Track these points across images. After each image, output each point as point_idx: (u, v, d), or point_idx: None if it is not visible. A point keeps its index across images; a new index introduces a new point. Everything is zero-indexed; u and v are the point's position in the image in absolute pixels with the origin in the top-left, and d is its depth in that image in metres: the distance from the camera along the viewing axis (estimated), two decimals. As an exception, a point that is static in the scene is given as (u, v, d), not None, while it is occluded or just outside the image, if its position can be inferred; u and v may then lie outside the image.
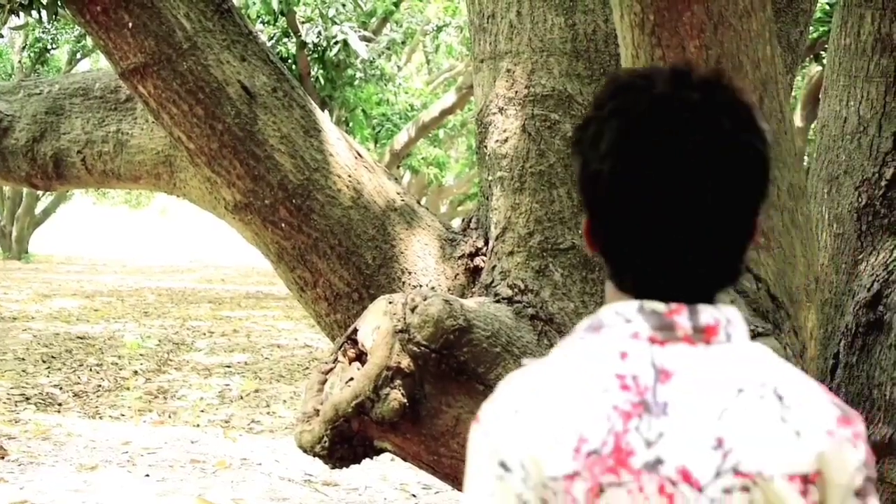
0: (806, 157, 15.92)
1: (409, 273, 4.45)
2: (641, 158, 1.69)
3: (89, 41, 24.95)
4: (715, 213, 1.70)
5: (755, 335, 2.77)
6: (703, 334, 1.73)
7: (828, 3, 13.23)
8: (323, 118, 4.49)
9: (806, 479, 1.72)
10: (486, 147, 4.53)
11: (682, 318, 1.72)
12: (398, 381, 3.79)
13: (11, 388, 11.11)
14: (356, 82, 19.52)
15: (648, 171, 1.68)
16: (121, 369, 12.89)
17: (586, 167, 1.75)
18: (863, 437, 1.78)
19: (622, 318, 1.75)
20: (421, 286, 4.39)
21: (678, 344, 1.73)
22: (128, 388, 11.81)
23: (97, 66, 30.64)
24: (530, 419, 1.72)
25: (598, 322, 1.80)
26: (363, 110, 20.66)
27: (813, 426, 1.73)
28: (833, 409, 1.77)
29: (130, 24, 4.05)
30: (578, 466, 1.69)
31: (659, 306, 1.73)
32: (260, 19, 17.33)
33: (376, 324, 3.92)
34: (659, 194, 1.68)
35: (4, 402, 10.42)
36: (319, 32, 17.29)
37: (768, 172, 1.79)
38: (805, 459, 1.72)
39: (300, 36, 17.39)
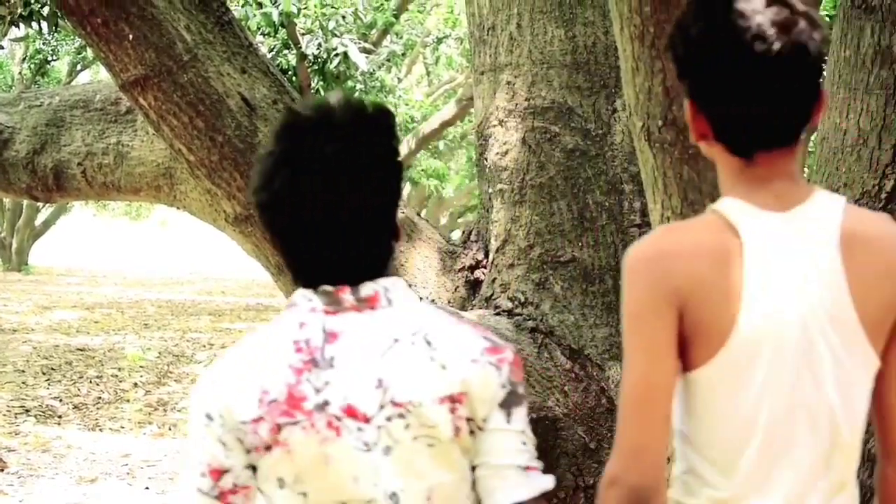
0: (806, 170, 15.92)
1: (409, 285, 4.45)
2: (297, 192, 2.24)
3: (90, 53, 24.96)
4: (352, 216, 2.24)
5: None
6: (367, 302, 2.29)
7: (827, 16, 13.24)
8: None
9: (453, 399, 2.26)
10: (486, 159, 4.53)
11: (345, 294, 2.27)
12: (398, 394, 3.79)
13: (11, 400, 11.10)
14: (356, 94, 19.54)
15: (300, 199, 2.23)
16: (121, 381, 12.89)
17: (260, 202, 2.30)
18: (509, 361, 2.31)
19: (306, 298, 2.29)
20: (421, 299, 4.39)
21: (347, 313, 2.28)
22: (128, 401, 11.80)
23: (97, 77, 30.65)
24: (226, 379, 2.27)
25: (292, 302, 2.34)
26: (363, 122, 20.66)
27: (457, 358, 2.27)
28: (482, 342, 2.31)
29: (131, 36, 4.05)
30: (262, 412, 2.23)
31: (328, 288, 2.27)
32: (260, 31, 17.34)
33: (376, 336, 3.92)
34: (309, 211, 2.23)
35: (4, 415, 10.41)
36: (320, 44, 17.29)
37: (399, 181, 2.35)
38: (450, 385, 2.25)
39: (300, 48, 17.39)
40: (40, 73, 29.63)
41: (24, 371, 12.82)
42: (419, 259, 4.52)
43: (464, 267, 4.59)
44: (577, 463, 4.09)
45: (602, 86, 4.47)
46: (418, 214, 4.75)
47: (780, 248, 2.22)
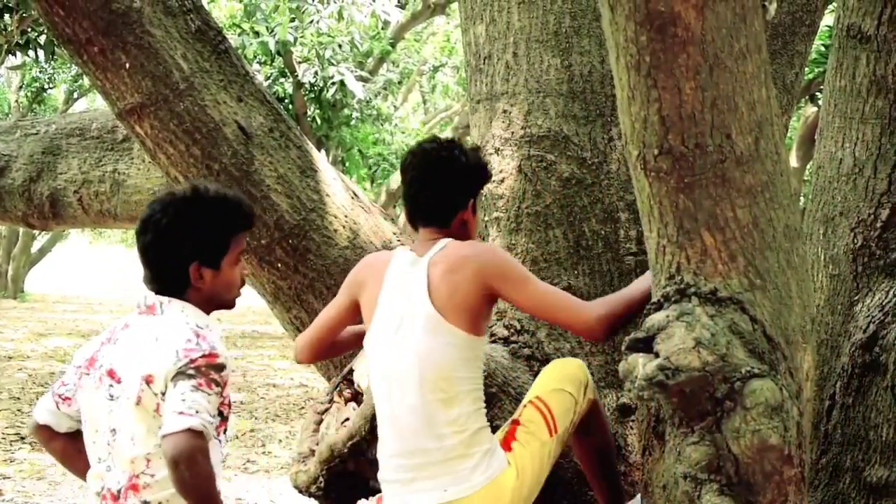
0: (802, 198, 15.95)
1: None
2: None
3: (86, 81, 25.00)
4: (148, 260, 3.70)
5: (750, 376, 2.77)
6: (149, 309, 3.68)
7: (823, 45, 13.29)
8: (319, 158, 4.50)
9: (145, 378, 3.52)
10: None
11: (140, 301, 3.70)
12: (394, 422, 3.79)
13: (6, 427, 11.08)
14: (352, 122, 19.57)
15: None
16: (116, 409, 12.83)
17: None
18: (189, 354, 3.51)
19: (138, 301, 3.76)
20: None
21: (143, 314, 3.69)
22: (123, 428, 11.74)
23: (94, 105, 30.68)
24: (86, 348, 3.81)
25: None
26: (359, 150, 20.68)
27: (164, 352, 3.52)
28: (179, 344, 3.53)
29: (128, 65, 4.06)
30: (82, 363, 3.74)
31: (140, 297, 3.71)
32: (257, 59, 17.37)
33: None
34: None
35: (-1, 442, 10.39)
36: (316, 73, 17.34)
37: (182, 241, 3.65)
38: (152, 367, 3.52)
39: (297, 76, 17.42)
40: (37, 101, 29.68)
41: (19, 398, 12.80)
42: (415, 287, 4.52)
43: (459, 295, 4.58)
44: (572, 490, 4.09)
45: (598, 114, 4.48)
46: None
47: (403, 272, 3.76)
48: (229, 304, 3.86)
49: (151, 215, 3.64)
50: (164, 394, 3.52)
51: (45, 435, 3.86)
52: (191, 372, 3.51)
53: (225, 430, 3.72)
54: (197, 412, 3.45)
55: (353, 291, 3.90)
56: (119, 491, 3.60)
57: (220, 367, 3.57)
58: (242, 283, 3.84)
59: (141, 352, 3.58)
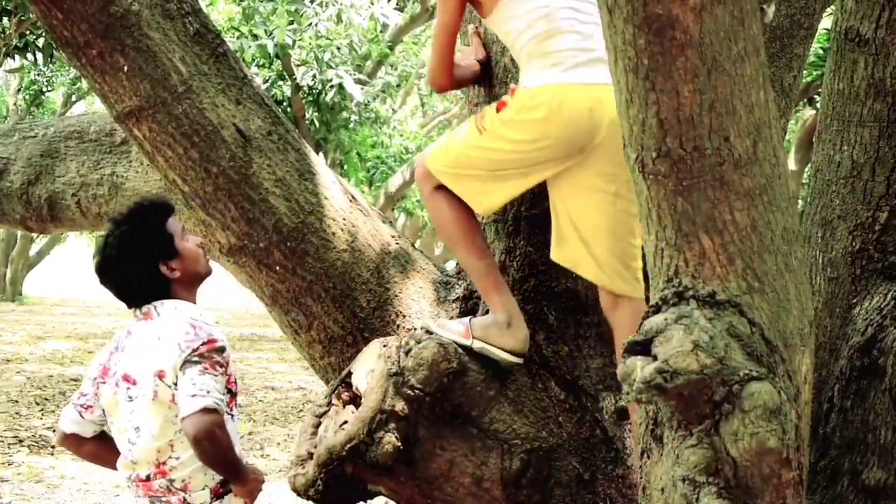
0: (800, 201, 15.95)
1: (404, 316, 4.45)
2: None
3: (85, 84, 24.99)
4: (109, 273, 4.35)
5: (749, 379, 2.76)
6: (146, 315, 4.26)
7: (821, 48, 13.30)
8: (317, 161, 4.50)
9: (157, 374, 4.10)
10: (480, 190, 4.53)
11: (136, 311, 4.30)
12: (392, 425, 3.79)
13: (4, 430, 11.08)
14: (351, 125, 19.56)
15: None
16: (114, 412, 12.82)
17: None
18: (191, 345, 4.08)
19: (135, 311, 4.33)
20: (415, 329, 4.39)
21: (140, 320, 4.27)
22: (121, 431, 11.73)
23: (92, 108, 30.68)
24: (97, 360, 4.45)
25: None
26: (358, 153, 20.68)
27: (168, 347, 4.10)
28: (180, 338, 4.10)
29: (126, 68, 4.06)
30: (97, 374, 4.33)
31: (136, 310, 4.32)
32: (255, 62, 17.37)
33: (370, 367, 3.93)
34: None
35: (-3, 445, 10.39)
36: (314, 76, 17.33)
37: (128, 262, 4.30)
38: (159, 363, 4.10)
39: (295, 79, 17.42)
40: (35, 104, 29.69)
41: (17, 401, 12.80)
42: (413, 290, 4.52)
43: (458, 297, 4.59)
44: (571, 493, 4.09)
45: (596, 117, 4.47)
46: (413, 245, 4.75)
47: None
48: (207, 272, 4.42)
49: (105, 255, 4.33)
50: (175, 384, 4.09)
51: (75, 442, 4.44)
52: (195, 359, 4.06)
53: (236, 405, 4.34)
54: (208, 392, 4.00)
55: None
56: (148, 475, 4.20)
57: (221, 350, 4.14)
58: (204, 249, 4.42)
59: (148, 352, 4.17)
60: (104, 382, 4.30)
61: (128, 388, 4.20)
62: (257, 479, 4.27)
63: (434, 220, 4.26)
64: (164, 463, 4.17)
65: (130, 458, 4.22)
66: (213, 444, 3.99)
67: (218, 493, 4.23)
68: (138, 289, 4.33)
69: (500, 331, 4.08)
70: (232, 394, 4.27)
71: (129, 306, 4.38)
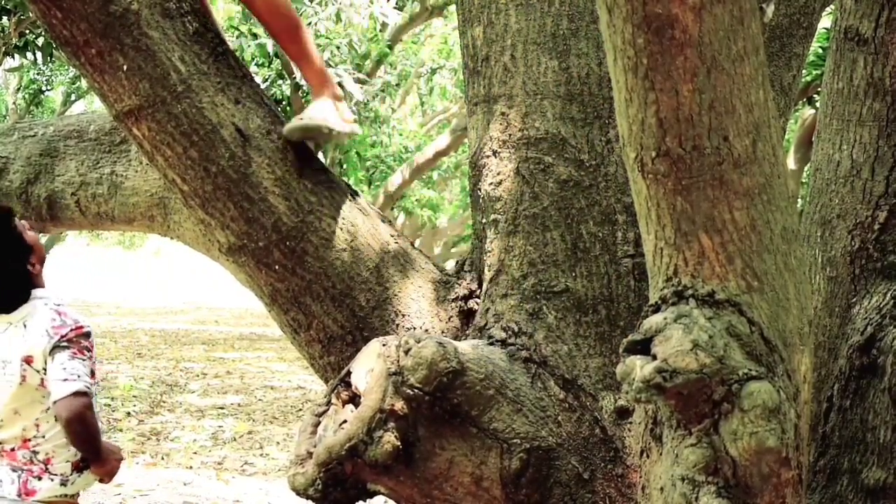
0: (799, 200, 15.96)
1: (403, 315, 4.45)
2: None
3: (84, 83, 24.98)
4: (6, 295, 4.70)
5: (748, 378, 2.76)
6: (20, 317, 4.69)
7: (821, 47, 13.30)
8: (317, 160, 4.50)
9: (24, 359, 4.45)
10: (479, 190, 4.54)
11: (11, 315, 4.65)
12: (391, 424, 3.79)
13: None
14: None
15: None
16: (114, 411, 12.87)
17: None
18: (60, 331, 4.55)
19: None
20: (415, 329, 4.39)
21: (14, 325, 4.61)
22: (120, 430, 11.78)
23: (92, 107, 30.69)
24: None
25: None
26: (357, 152, 20.71)
27: (33, 334, 4.50)
28: (48, 324, 4.54)
29: (125, 67, 4.06)
30: None
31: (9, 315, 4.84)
32: (254, 62, 17.38)
33: (370, 366, 3.92)
34: None
35: (-4, 444, 10.35)
36: (314, 75, 17.31)
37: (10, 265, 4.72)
38: (25, 349, 4.48)
39: (294, 78, 17.42)
40: (35, 103, 29.72)
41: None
42: (413, 289, 4.52)
43: (458, 297, 4.59)
44: (570, 493, 4.08)
45: (596, 117, 4.48)
46: (412, 244, 4.75)
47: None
48: (44, 252, 5.01)
49: None
50: (44, 369, 4.50)
51: None
52: (64, 344, 4.51)
53: (97, 384, 4.70)
54: (79, 376, 4.43)
55: None
56: (13, 448, 4.62)
57: (87, 335, 4.61)
58: (33, 228, 4.93)
59: (17, 338, 4.62)
60: None
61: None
62: (117, 458, 4.72)
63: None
64: (29, 440, 4.59)
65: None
66: (83, 426, 4.44)
67: (78, 467, 4.69)
68: (16, 295, 4.77)
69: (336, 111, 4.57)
70: (93, 374, 4.65)
71: (9, 311, 4.76)
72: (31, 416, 4.57)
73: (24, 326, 4.58)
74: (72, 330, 4.55)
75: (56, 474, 4.61)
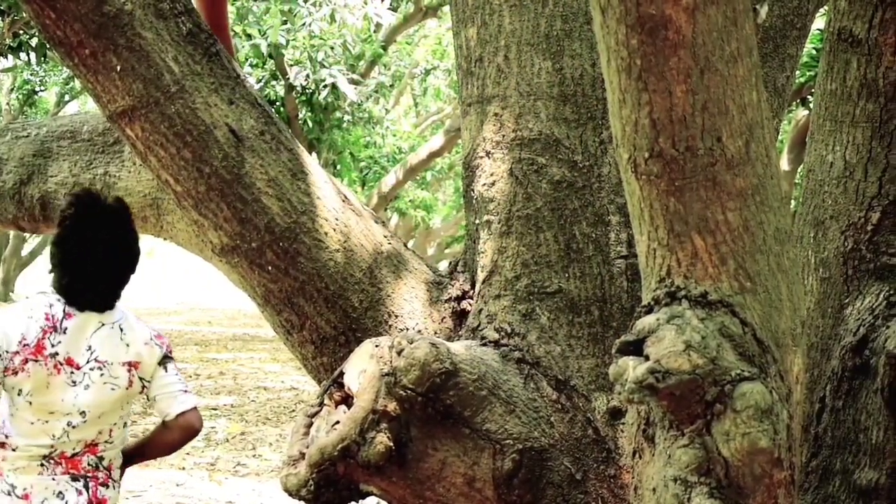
0: (793, 201, 15.97)
1: (396, 316, 4.45)
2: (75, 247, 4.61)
3: (77, 83, 24.96)
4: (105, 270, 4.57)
5: (740, 379, 2.77)
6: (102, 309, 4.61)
7: (814, 48, 13.31)
8: (310, 161, 4.50)
9: (130, 364, 4.50)
10: (473, 190, 4.54)
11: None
12: (384, 425, 3.79)
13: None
14: (344, 125, 19.58)
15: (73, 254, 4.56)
16: (107, 412, 12.79)
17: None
18: (165, 343, 4.65)
19: (52, 290, 4.47)
20: (408, 330, 4.39)
21: (86, 311, 4.46)
22: (113, 431, 11.71)
23: (85, 108, 30.68)
24: (4, 326, 4.34)
25: (45, 290, 4.50)
26: (351, 153, 20.71)
27: (136, 341, 4.52)
28: (149, 333, 4.60)
29: (118, 68, 4.06)
30: (19, 349, 4.29)
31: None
32: (248, 62, 17.38)
33: (362, 367, 3.92)
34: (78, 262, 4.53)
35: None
36: (308, 75, 17.34)
37: (134, 259, 4.74)
38: (130, 355, 4.49)
39: (288, 79, 17.43)
40: (28, 104, 29.70)
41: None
42: (406, 290, 4.52)
43: (451, 298, 4.59)
44: (563, 494, 4.09)
45: (589, 117, 4.48)
46: (405, 245, 4.75)
47: None
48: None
49: (125, 252, 4.82)
50: (148, 378, 4.64)
51: None
52: (170, 356, 4.72)
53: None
54: (188, 388, 4.69)
55: None
56: (75, 453, 4.51)
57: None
58: None
59: (114, 345, 4.60)
60: (36, 360, 4.39)
61: (72, 373, 4.44)
62: None
63: None
64: (97, 444, 4.52)
65: (60, 439, 4.44)
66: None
67: (122, 472, 4.72)
68: (117, 294, 4.71)
69: None
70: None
71: (102, 311, 4.60)
72: (110, 421, 4.54)
73: (121, 330, 4.57)
74: (166, 344, 4.68)
75: (117, 481, 4.62)
